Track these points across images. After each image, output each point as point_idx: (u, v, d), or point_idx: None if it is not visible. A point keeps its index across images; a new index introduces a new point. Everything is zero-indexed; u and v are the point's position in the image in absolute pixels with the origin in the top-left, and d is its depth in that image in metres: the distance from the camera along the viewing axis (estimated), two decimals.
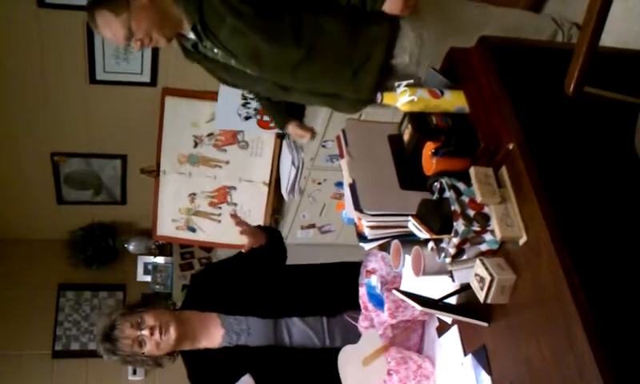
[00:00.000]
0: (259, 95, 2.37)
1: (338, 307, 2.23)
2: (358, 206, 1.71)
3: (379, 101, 1.71)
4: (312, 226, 4.05)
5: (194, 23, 2.00)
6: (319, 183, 3.70)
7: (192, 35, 2.06)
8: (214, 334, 2.22)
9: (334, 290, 2.27)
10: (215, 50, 2.10)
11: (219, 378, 2.27)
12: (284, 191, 3.84)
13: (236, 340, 2.22)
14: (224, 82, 2.35)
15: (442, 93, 1.68)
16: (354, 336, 2.05)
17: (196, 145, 3.83)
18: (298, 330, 2.20)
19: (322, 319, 2.27)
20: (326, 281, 2.33)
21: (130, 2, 1.96)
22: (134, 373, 4.49)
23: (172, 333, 2.12)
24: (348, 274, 2.27)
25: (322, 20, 2.00)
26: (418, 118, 1.68)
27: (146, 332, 2.10)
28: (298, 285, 2.30)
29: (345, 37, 1.99)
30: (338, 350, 2.02)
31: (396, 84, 1.67)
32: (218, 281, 2.30)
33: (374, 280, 2.08)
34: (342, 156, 1.83)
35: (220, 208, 4.05)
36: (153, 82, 3.78)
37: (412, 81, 1.67)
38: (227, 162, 3.88)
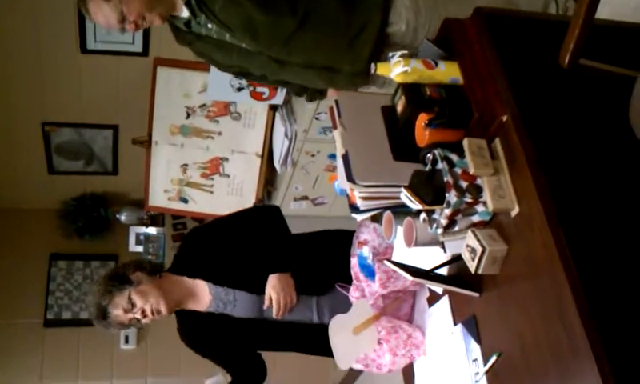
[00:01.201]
0: (252, 76, 2.32)
1: (329, 286, 2.24)
2: (350, 177, 1.71)
3: (373, 71, 1.70)
4: (305, 197, 4.05)
5: None
6: (312, 155, 3.69)
7: (185, 13, 2.02)
8: (202, 299, 2.28)
9: (325, 268, 2.28)
10: (209, 26, 2.06)
11: (204, 337, 2.37)
12: (277, 163, 3.83)
13: (222, 308, 2.26)
14: (216, 65, 2.29)
15: (436, 64, 1.67)
16: (344, 306, 2.06)
17: (188, 116, 3.80)
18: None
19: (312, 298, 2.30)
20: (317, 257, 2.34)
21: None
22: (126, 341, 4.51)
23: (163, 309, 2.20)
24: (340, 243, 2.28)
25: None
26: (411, 89, 1.67)
27: (138, 315, 2.19)
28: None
29: (340, 6, 1.96)
30: (326, 326, 2.04)
31: (390, 54, 1.65)
32: (210, 246, 2.30)
33: (366, 251, 2.09)
34: (334, 127, 1.83)
35: (212, 179, 4.03)
36: (145, 52, 3.74)
37: (406, 51, 1.66)
38: (219, 133, 3.86)
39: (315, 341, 2.25)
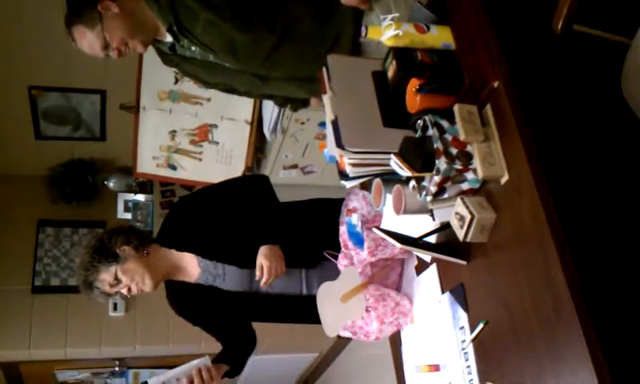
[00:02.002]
0: (237, 92, 2.41)
1: (318, 258, 2.23)
2: (339, 143, 1.68)
3: (364, 35, 1.67)
4: (294, 166, 4.03)
5: (169, 24, 2.00)
6: (302, 123, 3.66)
7: (169, 37, 2.08)
8: (190, 272, 2.28)
9: (314, 240, 2.26)
10: (193, 48, 2.11)
11: (193, 307, 2.37)
12: (266, 130, 3.79)
13: (211, 281, 2.26)
14: (203, 83, 2.39)
15: (428, 28, 1.64)
16: (333, 278, 2.05)
17: (177, 81, 3.75)
18: (276, 281, 2.21)
19: (301, 271, 2.29)
20: (306, 229, 2.32)
21: (101, 14, 1.97)
22: (115, 309, 4.51)
23: (148, 288, 2.22)
24: (329, 212, 2.27)
25: (291, 4, 2.00)
26: (402, 54, 1.65)
27: (124, 291, 2.20)
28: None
29: (314, 18, 2.00)
30: (314, 297, 2.04)
31: (381, 17, 1.62)
32: (198, 218, 2.28)
33: (355, 218, 2.08)
34: (324, 91, 1.79)
35: (201, 146, 4.00)
36: None
37: (397, 14, 1.63)
38: (208, 100, 3.81)
39: (304, 311, 2.25)
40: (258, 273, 2.15)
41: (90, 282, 2.17)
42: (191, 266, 2.28)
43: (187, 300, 2.34)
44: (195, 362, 2.20)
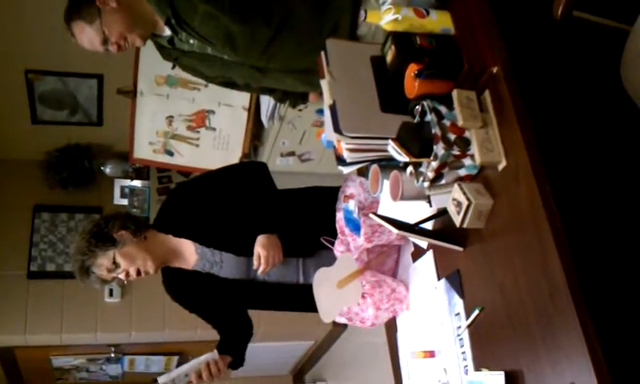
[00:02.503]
0: (236, 85, 2.41)
1: (315, 247, 2.22)
2: (337, 128, 1.68)
3: (363, 18, 1.66)
4: (292, 153, 4.02)
5: (167, 17, 2.00)
6: (300, 110, 3.64)
7: (167, 31, 2.09)
8: (187, 258, 2.28)
9: (310, 229, 2.25)
10: (191, 41, 2.12)
11: (190, 293, 2.36)
12: (264, 117, 3.78)
13: (208, 268, 2.25)
14: (202, 77, 2.39)
15: (428, 12, 1.63)
16: (329, 263, 2.05)
17: (174, 66, 3.72)
18: (273, 270, 2.20)
19: (298, 260, 2.28)
20: (303, 218, 2.31)
21: (100, 9, 1.99)
22: (111, 295, 4.50)
23: (150, 269, 2.20)
24: (326, 200, 2.26)
25: None
26: (401, 39, 1.64)
27: (121, 275, 2.18)
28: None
29: (312, 9, 2.00)
30: (311, 286, 2.04)
31: (380, 1, 1.61)
32: (196, 204, 2.26)
33: (352, 205, 2.07)
34: (322, 76, 1.78)
35: (198, 132, 3.98)
36: None
37: None
38: (206, 85, 3.78)
39: (301, 300, 2.25)
40: (255, 262, 2.14)
41: (86, 266, 2.15)
42: (188, 253, 2.27)
43: (184, 286, 2.33)
44: (203, 357, 2.20)
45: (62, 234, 4.61)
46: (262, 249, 2.13)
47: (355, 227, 2.04)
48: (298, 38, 2.04)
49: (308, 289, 2.05)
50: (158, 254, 2.23)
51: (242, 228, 2.23)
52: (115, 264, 2.15)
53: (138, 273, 2.19)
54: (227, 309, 2.42)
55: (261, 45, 2.04)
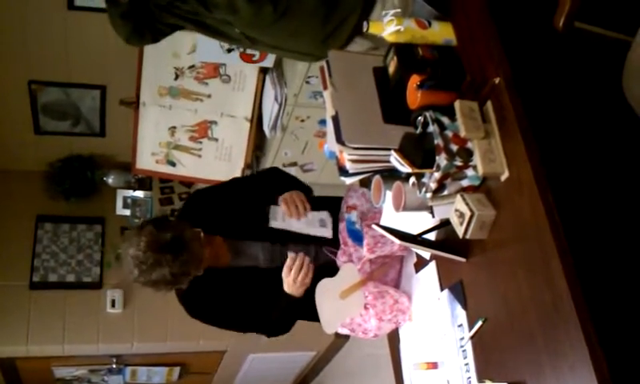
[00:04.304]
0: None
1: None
2: (340, 139, 1.68)
3: (365, 30, 1.67)
4: (294, 164, 4.02)
5: None
6: (302, 120, 3.65)
7: None
8: (220, 257, 2.14)
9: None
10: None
11: (217, 296, 2.18)
12: (266, 128, 3.79)
13: (245, 261, 2.16)
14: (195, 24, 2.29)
15: (430, 24, 1.64)
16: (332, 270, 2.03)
17: (177, 77, 3.74)
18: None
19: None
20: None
21: None
22: (112, 305, 4.49)
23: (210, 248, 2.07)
24: (329, 208, 2.25)
25: None
26: (404, 50, 1.64)
27: (207, 251, 2.04)
28: None
29: (322, 3, 1.98)
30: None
31: (383, 13, 1.62)
32: (222, 203, 2.22)
33: (354, 216, 2.07)
34: (325, 87, 1.79)
35: (200, 143, 3.99)
36: None
37: (399, 10, 1.62)
38: (209, 96, 3.80)
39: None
40: (283, 207, 2.11)
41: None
42: (222, 251, 2.15)
43: (213, 291, 2.16)
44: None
45: (65, 244, 4.61)
46: (283, 197, 2.12)
47: (357, 238, 2.04)
48: (299, 24, 2.03)
49: (322, 271, 2.01)
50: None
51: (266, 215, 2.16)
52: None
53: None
54: (267, 301, 2.20)
55: (264, 24, 2.03)
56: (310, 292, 1.98)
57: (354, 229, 2.07)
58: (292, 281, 1.99)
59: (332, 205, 2.27)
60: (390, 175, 1.78)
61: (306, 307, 2.11)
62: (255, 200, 2.23)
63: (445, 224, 1.67)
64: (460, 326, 1.64)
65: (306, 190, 2.31)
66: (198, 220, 2.14)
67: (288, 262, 2.01)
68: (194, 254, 1.97)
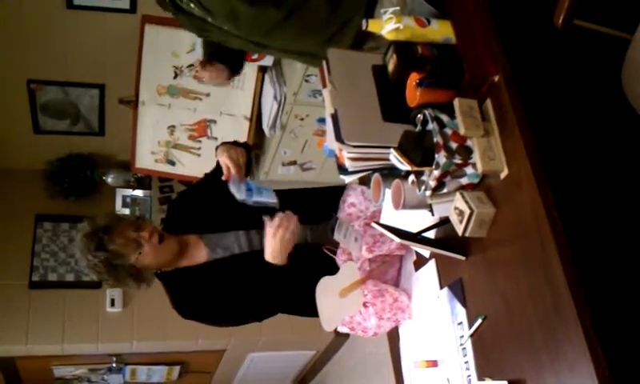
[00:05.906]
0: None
1: (321, 218, 2.20)
2: (339, 137, 1.68)
3: (364, 28, 1.67)
4: (293, 162, 4.02)
5: None
6: (301, 119, 3.64)
7: None
8: (197, 255, 2.17)
9: (314, 207, 2.25)
10: (192, 5, 2.11)
11: (202, 292, 2.17)
12: (265, 126, 3.78)
13: (222, 253, 2.16)
14: (200, 35, 2.37)
15: (429, 22, 1.64)
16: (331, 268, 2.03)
17: (176, 76, 3.73)
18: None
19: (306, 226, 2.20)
20: (306, 201, 2.31)
21: None
22: (112, 304, 4.49)
23: (174, 245, 2.11)
24: (328, 196, 2.27)
25: None
26: (403, 48, 1.64)
27: (145, 233, 2.04)
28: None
29: (326, 3, 1.99)
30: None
31: (382, 10, 1.62)
32: (196, 203, 2.26)
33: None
34: (324, 86, 1.79)
35: (200, 141, 3.98)
36: (132, 9, 3.65)
37: (398, 8, 1.62)
38: (208, 95, 3.80)
39: (311, 262, 2.13)
40: (225, 172, 2.13)
41: (108, 225, 2.03)
42: (197, 249, 2.18)
43: (196, 288, 2.17)
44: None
45: (64, 243, 4.61)
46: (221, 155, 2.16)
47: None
48: (303, 25, 2.04)
49: (317, 250, 2.03)
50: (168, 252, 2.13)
51: (240, 205, 2.15)
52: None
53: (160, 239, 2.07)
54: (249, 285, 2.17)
55: (265, 27, 2.04)
56: (309, 290, 1.99)
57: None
58: (277, 239, 1.98)
59: (331, 194, 2.28)
60: (390, 173, 1.78)
61: (305, 303, 2.10)
62: (223, 190, 2.20)
63: (444, 222, 1.67)
64: (460, 323, 1.64)
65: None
66: (181, 223, 2.18)
67: (268, 225, 2.00)
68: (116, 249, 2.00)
